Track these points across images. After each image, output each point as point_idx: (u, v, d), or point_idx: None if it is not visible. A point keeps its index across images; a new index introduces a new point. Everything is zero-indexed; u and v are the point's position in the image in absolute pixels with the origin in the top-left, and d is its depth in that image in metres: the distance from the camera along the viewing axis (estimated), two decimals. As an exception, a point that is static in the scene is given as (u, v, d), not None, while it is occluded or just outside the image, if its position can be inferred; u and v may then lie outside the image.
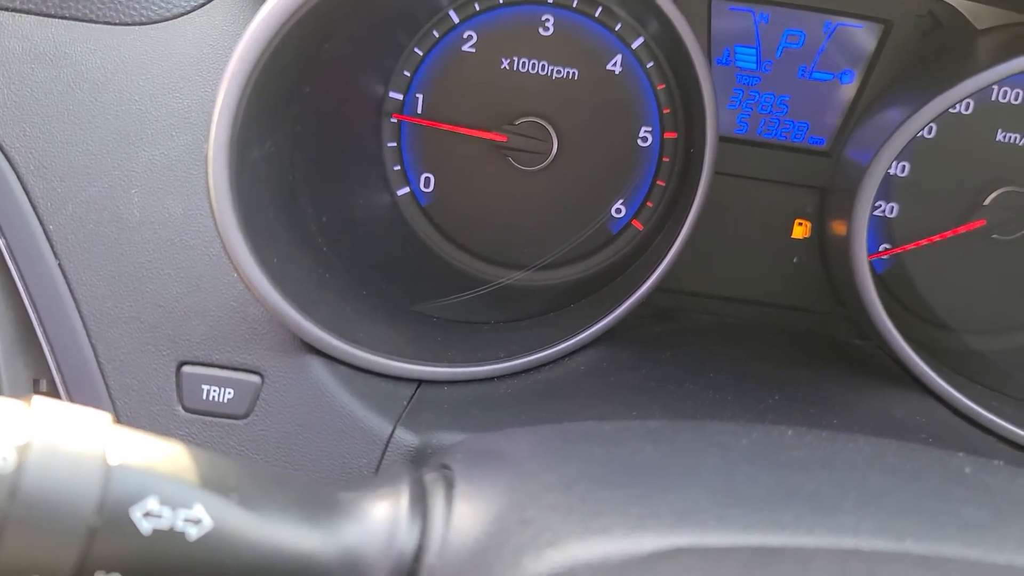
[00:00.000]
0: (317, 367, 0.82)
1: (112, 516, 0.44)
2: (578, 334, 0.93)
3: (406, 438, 0.78)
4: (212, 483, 0.47)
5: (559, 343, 0.93)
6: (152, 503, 0.45)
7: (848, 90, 1.06)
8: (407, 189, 1.11)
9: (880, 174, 0.94)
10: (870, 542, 0.48)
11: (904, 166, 1.07)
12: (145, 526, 0.44)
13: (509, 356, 0.90)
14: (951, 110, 1.03)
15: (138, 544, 0.44)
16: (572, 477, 0.53)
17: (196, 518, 0.46)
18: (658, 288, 0.96)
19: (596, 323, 0.95)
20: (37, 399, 0.45)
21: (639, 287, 0.96)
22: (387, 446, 0.78)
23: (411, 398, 0.84)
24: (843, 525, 0.49)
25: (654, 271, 0.95)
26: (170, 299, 0.82)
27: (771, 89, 1.07)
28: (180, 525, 0.45)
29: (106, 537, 0.43)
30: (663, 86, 1.06)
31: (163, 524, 0.45)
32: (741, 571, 0.46)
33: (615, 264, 1.11)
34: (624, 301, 0.96)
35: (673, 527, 0.49)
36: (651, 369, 0.94)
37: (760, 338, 1.10)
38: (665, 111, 1.07)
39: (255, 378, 0.81)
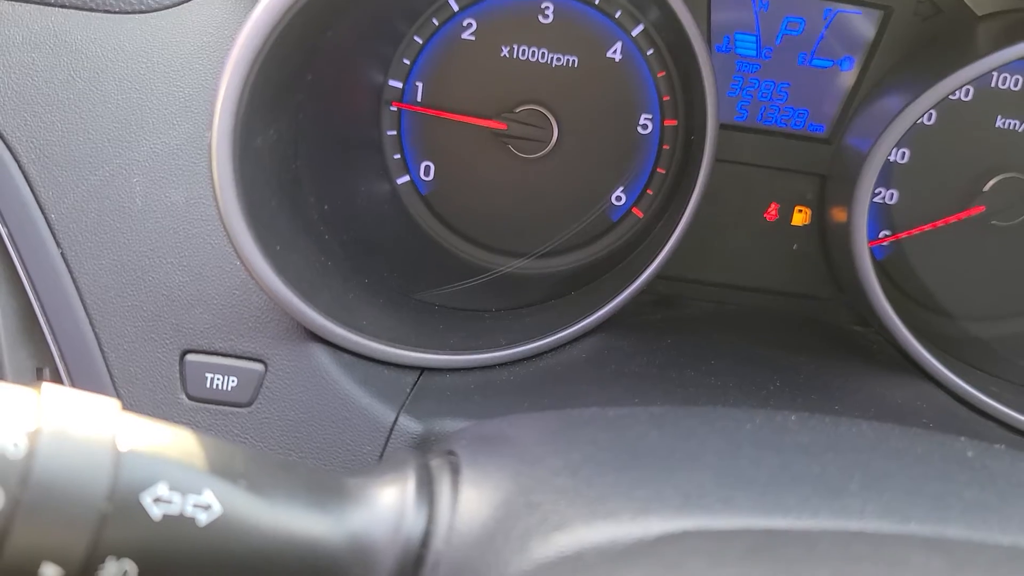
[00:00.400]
0: (320, 355, 0.82)
1: (123, 502, 0.44)
2: (579, 322, 0.93)
3: (409, 425, 0.79)
4: (220, 469, 0.48)
5: (560, 331, 0.93)
6: (162, 489, 0.45)
7: (848, 77, 1.06)
8: (407, 177, 1.11)
9: (880, 161, 0.94)
10: (875, 524, 0.49)
11: (904, 153, 1.07)
12: (155, 512, 0.45)
13: (510, 344, 0.90)
14: (951, 97, 1.03)
15: (149, 529, 0.44)
16: (577, 462, 0.54)
17: (206, 504, 0.46)
18: (658, 275, 0.96)
19: (597, 311, 0.95)
20: (46, 386, 0.45)
21: (640, 275, 0.96)
22: (391, 433, 0.78)
23: (414, 385, 0.84)
24: (848, 508, 0.50)
25: (655, 258, 0.95)
26: (173, 288, 0.82)
27: (771, 76, 1.07)
28: (190, 511, 0.46)
29: (117, 523, 0.43)
30: (663, 74, 1.06)
31: (173, 510, 0.45)
32: (747, 553, 0.47)
33: (615, 252, 1.11)
34: (625, 289, 0.96)
35: (679, 510, 0.49)
36: (652, 356, 0.94)
37: (760, 325, 1.10)
38: (665, 98, 1.07)
39: (258, 366, 0.81)
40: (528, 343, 0.91)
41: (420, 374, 0.87)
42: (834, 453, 0.57)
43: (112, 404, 0.46)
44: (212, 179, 0.74)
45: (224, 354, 0.82)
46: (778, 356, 0.99)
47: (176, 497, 0.45)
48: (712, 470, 0.53)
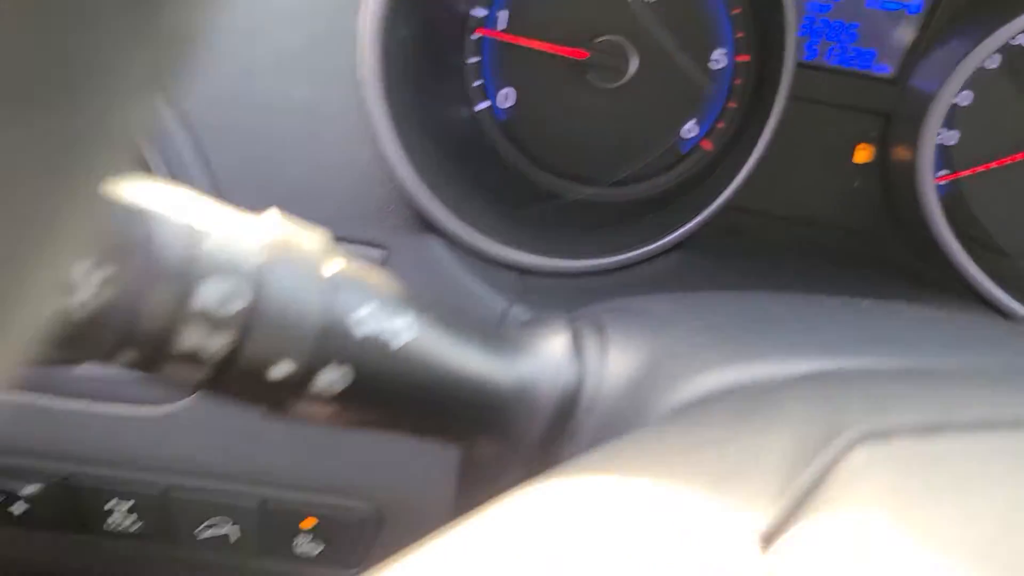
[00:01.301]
0: (436, 246, 0.86)
1: (337, 317, 0.48)
2: (663, 238, 0.98)
3: (522, 314, 0.83)
4: (413, 302, 0.52)
5: (640, 247, 0.98)
6: (365, 311, 0.50)
7: (915, 20, 1.10)
8: (486, 103, 1.14)
9: (947, 104, 0.99)
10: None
11: (968, 95, 1.11)
12: (360, 330, 0.49)
13: (604, 253, 0.94)
14: (1013, 41, 1.07)
15: (353, 346, 0.49)
16: (718, 324, 0.59)
17: (399, 329, 0.51)
18: (725, 206, 1.00)
19: (674, 231, 0.99)
20: (271, 212, 0.50)
21: (711, 204, 1.00)
22: (503, 320, 0.83)
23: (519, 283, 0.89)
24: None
25: (725, 189, 1.00)
26: (299, 180, 0.86)
27: (840, 17, 1.11)
28: (386, 335, 0.50)
29: (332, 335, 0.48)
30: (739, 11, 1.10)
31: (372, 331, 0.50)
32: (869, 388, 0.51)
33: (683, 183, 1.15)
34: (697, 215, 1.00)
35: (819, 357, 0.54)
36: (728, 277, 0.99)
37: (825, 257, 1.14)
38: (739, 35, 1.11)
39: (380, 252, 0.85)
40: (619, 254, 0.95)
41: (521, 276, 0.91)
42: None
43: (326, 234, 0.51)
44: (360, 66, 0.76)
45: (348, 240, 0.86)
46: (848, 284, 1.03)
47: (376, 321, 0.50)
48: (838, 331, 0.58)
